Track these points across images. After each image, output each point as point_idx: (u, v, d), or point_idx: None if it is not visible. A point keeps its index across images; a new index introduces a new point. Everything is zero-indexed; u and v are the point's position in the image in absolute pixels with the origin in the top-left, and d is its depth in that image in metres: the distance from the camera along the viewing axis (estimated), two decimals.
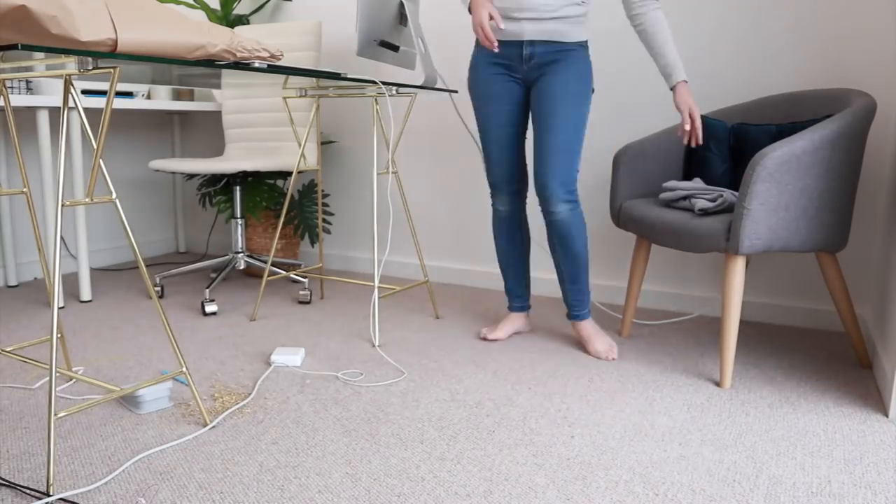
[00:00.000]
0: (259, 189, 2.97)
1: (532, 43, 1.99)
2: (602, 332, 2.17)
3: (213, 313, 2.51)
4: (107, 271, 3.24)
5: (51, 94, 2.59)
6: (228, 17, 3.23)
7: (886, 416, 1.68)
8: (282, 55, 1.60)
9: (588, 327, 2.16)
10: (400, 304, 2.72)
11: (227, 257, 2.84)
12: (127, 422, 1.60)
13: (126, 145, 3.46)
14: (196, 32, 1.40)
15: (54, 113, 3.02)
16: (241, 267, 2.83)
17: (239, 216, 2.84)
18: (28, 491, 1.29)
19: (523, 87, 2.08)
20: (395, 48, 2.23)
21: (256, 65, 1.59)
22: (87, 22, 1.23)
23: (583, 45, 2.03)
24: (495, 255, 2.99)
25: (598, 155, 2.73)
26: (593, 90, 2.07)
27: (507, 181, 2.15)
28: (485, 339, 2.25)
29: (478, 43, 2.11)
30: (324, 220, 3.12)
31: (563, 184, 2.00)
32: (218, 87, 3.56)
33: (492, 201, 2.21)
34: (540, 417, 1.66)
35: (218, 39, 1.44)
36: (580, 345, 2.21)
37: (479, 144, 2.20)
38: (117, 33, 1.27)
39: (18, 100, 2.39)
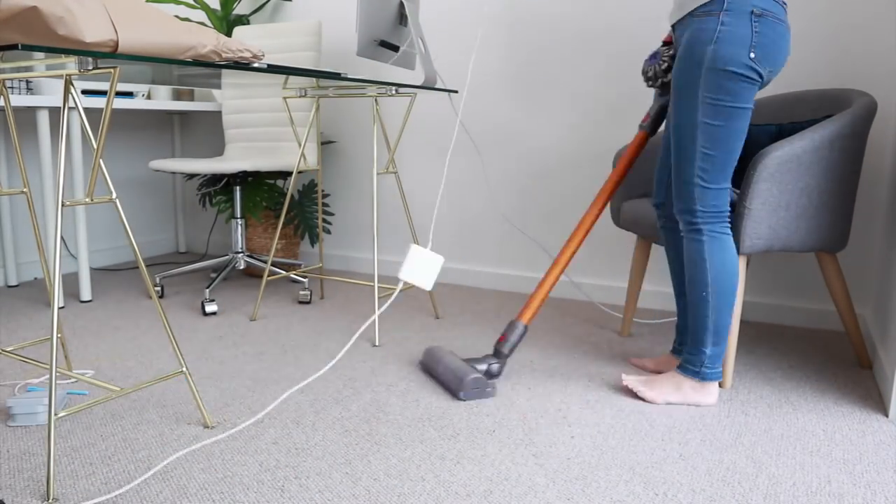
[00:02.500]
0: (259, 189, 2.97)
1: (674, 28, 1.65)
2: (674, 389, 1.74)
3: (213, 313, 2.51)
4: (107, 271, 3.24)
5: (51, 94, 2.59)
6: (228, 18, 3.23)
7: (886, 416, 1.68)
8: (263, 55, 1.60)
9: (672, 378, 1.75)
10: (400, 304, 2.72)
11: (227, 257, 2.84)
12: (127, 422, 1.60)
13: (126, 145, 3.46)
14: (186, 34, 1.41)
15: (54, 113, 3.02)
16: (241, 267, 2.83)
17: (239, 216, 2.84)
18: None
19: None
20: (395, 48, 2.23)
21: (256, 65, 1.59)
22: (90, 23, 1.23)
23: (712, 8, 1.50)
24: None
25: (598, 155, 2.73)
26: (751, 65, 1.50)
27: (656, 193, 1.90)
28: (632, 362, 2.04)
29: None
30: (324, 220, 3.12)
31: (679, 209, 1.70)
32: (218, 87, 3.56)
33: None
34: (540, 417, 1.66)
35: (206, 40, 1.45)
36: (644, 368, 1.98)
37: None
38: (118, 34, 1.28)
39: (18, 100, 2.39)
